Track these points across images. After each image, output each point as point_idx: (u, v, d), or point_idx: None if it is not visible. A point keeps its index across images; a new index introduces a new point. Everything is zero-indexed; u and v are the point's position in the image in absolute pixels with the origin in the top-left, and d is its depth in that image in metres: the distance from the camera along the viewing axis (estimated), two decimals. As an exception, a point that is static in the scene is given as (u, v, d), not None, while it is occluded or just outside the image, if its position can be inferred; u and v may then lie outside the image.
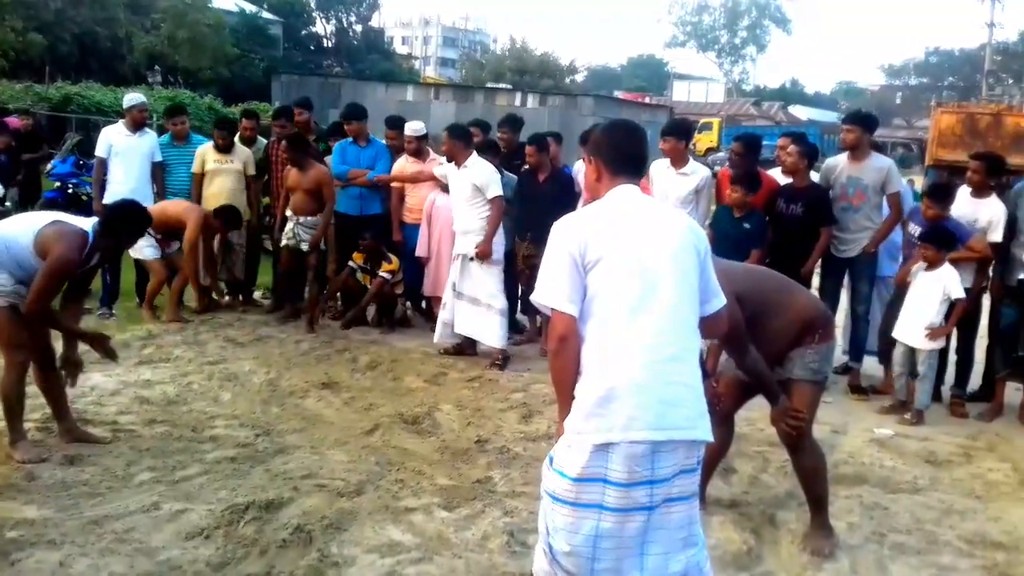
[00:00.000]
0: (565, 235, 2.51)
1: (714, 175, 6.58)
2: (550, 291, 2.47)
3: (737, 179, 5.83)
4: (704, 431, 2.47)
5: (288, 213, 7.10)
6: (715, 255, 5.63)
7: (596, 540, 2.39)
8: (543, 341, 6.61)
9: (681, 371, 2.44)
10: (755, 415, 5.30)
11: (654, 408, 2.37)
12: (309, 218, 6.99)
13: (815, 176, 6.15)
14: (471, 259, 6.36)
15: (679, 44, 66.14)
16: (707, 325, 2.63)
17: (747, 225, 5.76)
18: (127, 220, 4.40)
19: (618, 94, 45.62)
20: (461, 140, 6.46)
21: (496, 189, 6.35)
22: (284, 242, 7.13)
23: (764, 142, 7.39)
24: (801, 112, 54.45)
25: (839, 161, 6.03)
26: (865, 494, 4.26)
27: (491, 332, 6.38)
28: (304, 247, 7.01)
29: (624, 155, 2.67)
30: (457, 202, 6.46)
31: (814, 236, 5.82)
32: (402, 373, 6.02)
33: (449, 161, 6.57)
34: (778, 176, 6.24)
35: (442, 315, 6.57)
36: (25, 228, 4.16)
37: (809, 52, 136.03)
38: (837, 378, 6.12)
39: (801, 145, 5.91)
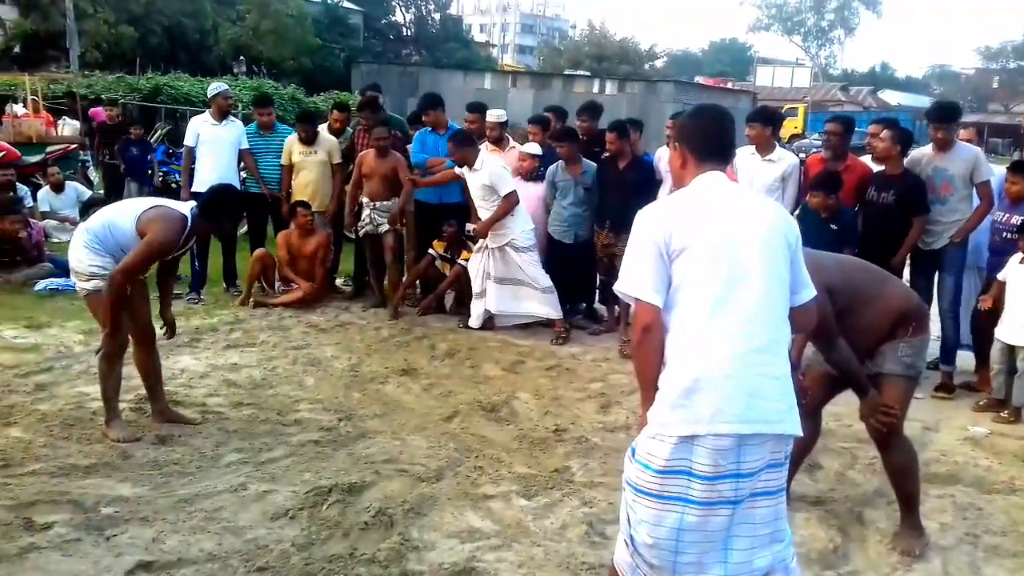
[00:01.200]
0: (649, 224, 2.45)
1: (801, 162, 6.39)
2: (633, 281, 2.42)
3: (816, 183, 5.58)
4: (793, 425, 2.40)
5: (364, 200, 7.18)
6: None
7: (680, 533, 2.35)
8: (621, 331, 6.56)
9: (770, 362, 2.37)
10: (842, 410, 5.15)
11: (741, 400, 2.30)
12: (385, 203, 7.10)
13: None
14: (496, 248, 6.62)
15: (763, 28, 64.55)
16: (796, 317, 2.55)
17: (835, 226, 5.50)
18: (225, 203, 4.55)
19: (699, 79, 44.87)
20: (465, 145, 6.60)
21: (507, 186, 6.53)
22: (363, 230, 7.24)
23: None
24: (891, 97, 52.73)
25: (924, 153, 5.79)
26: (958, 494, 4.10)
27: (545, 307, 6.68)
28: (382, 230, 7.13)
29: (710, 141, 2.59)
30: (476, 201, 6.67)
31: (906, 226, 5.60)
32: (480, 361, 6.05)
33: (460, 166, 6.66)
34: (869, 164, 6.04)
35: (478, 303, 6.83)
36: (128, 213, 4.34)
37: (900, 34, 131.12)
38: (930, 373, 5.90)
39: (894, 130, 5.69)
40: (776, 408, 2.36)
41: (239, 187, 7.41)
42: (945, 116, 5.71)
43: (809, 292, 2.58)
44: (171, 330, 4.71)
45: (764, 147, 6.04)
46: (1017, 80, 53.51)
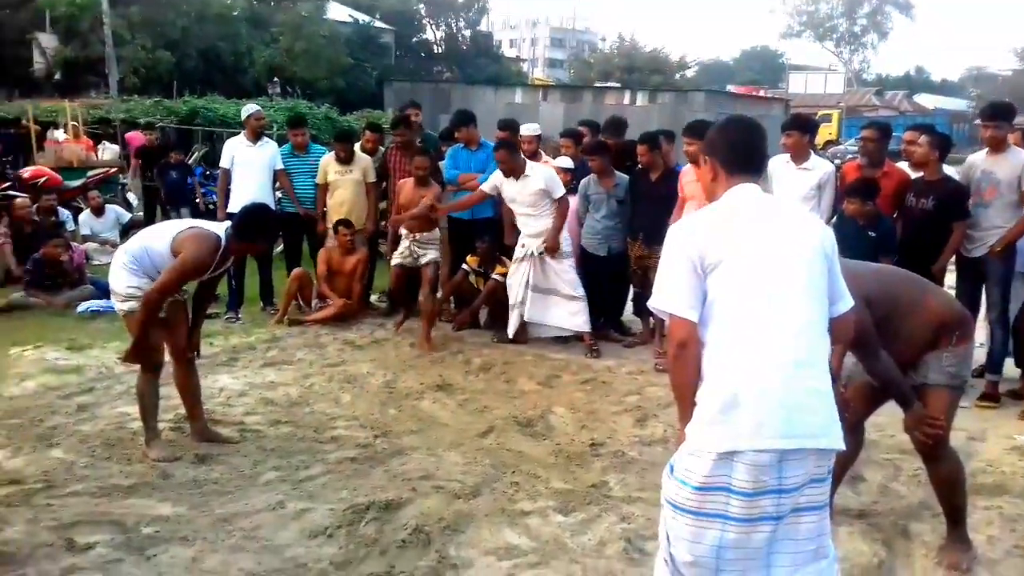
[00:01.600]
0: (682, 238, 2.43)
1: (837, 169, 6.31)
2: (667, 296, 2.40)
3: (851, 190, 5.48)
4: (836, 439, 2.35)
5: (403, 231, 7.08)
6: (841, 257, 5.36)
7: (720, 551, 2.30)
8: (657, 343, 6.51)
9: (811, 376, 2.33)
10: (884, 420, 5.04)
11: (782, 414, 2.26)
12: (425, 234, 7.04)
13: (948, 169, 5.79)
14: (539, 254, 6.61)
15: (794, 34, 64.15)
16: (834, 328, 2.51)
17: (873, 233, 5.39)
18: (258, 223, 4.58)
19: (731, 88, 44.58)
20: (516, 153, 6.61)
21: (561, 189, 6.56)
22: (397, 261, 7.09)
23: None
24: (927, 101, 52.01)
25: (979, 156, 5.66)
26: (1006, 505, 3.99)
27: (573, 319, 6.69)
28: (423, 262, 6.98)
29: (741, 153, 2.55)
30: (522, 210, 6.64)
31: (946, 232, 5.50)
32: (515, 375, 6.04)
33: (508, 175, 6.58)
34: (906, 170, 5.94)
35: (515, 313, 6.81)
36: (164, 234, 4.42)
37: (935, 37, 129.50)
38: (975, 382, 5.79)
39: (932, 136, 5.59)
40: (818, 422, 2.32)
41: (274, 207, 7.52)
42: (995, 113, 5.47)
43: (847, 303, 2.54)
44: (196, 351, 4.73)
45: (799, 155, 5.95)
46: (1058, 81, 52.50)
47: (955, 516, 3.51)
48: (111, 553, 3.39)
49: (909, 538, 3.68)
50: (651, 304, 2.48)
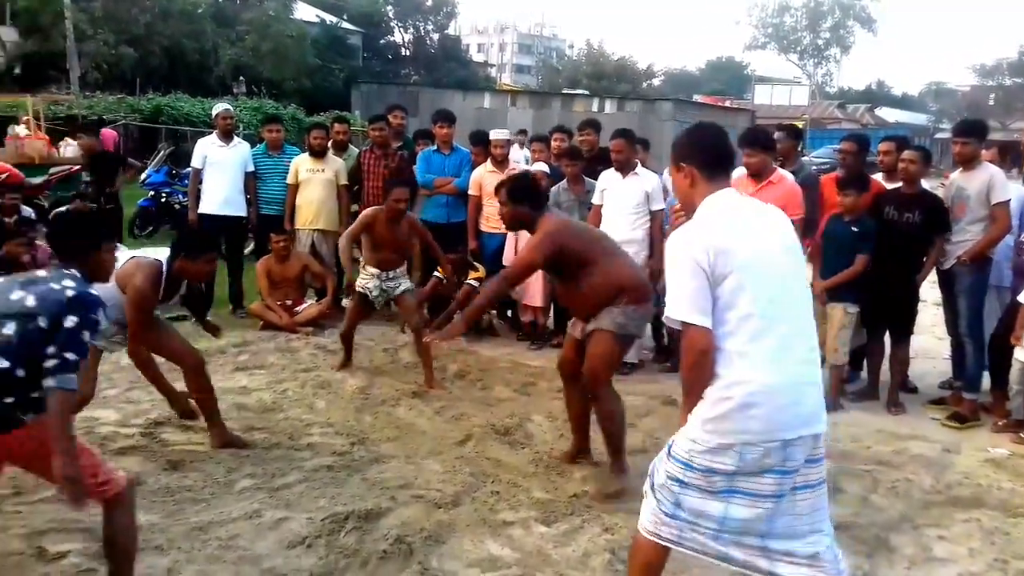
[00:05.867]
0: (690, 247, 2.50)
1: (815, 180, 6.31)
2: (687, 308, 2.48)
3: (847, 182, 5.63)
4: (824, 423, 2.57)
5: (372, 271, 6.03)
6: (824, 259, 5.48)
7: (724, 522, 2.51)
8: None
9: (811, 372, 2.55)
10: (860, 432, 5.12)
11: (789, 410, 2.46)
12: (397, 270, 6.13)
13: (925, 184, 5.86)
14: None
15: (759, 46, 64.89)
16: None
17: (856, 229, 5.53)
18: (193, 239, 4.57)
19: (697, 98, 45.00)
20: (634, 145, 6.34)
21: (662, 202, 6.29)
22: (365, 292, 6.06)
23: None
24: (889, 114, 52.85)
25: (956, 173, 5.76)
26: (984, 518, 4.02)
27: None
28: (397, 292, 6.10)
29: (717, 156, 2.67)
30: (620, 211, 6.28)
31: (927, 245, 5.59)
32: (491, 383, 5.98)
33: (618, 170, 6.35)
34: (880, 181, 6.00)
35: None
36: None
37: (896, 52, 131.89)
38: (931, 393, 5.94)
39: (918, 150, 5.70)
40: (813, 411, 2.53)
41: (246, 208, 7.42)
42: (965, 130, 5.57)
43: None
44: (216, 332, 5.17)
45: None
46: (1013, 97, 53.67)
47: (614, 445, 4.20)
48: (84, 562, 3.29)
49: (891, 549, 3.69)
50: (667, 316, 2.54)
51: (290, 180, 7.61)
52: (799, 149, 6.30)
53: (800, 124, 39.91)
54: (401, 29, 50.50)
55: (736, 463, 2.45)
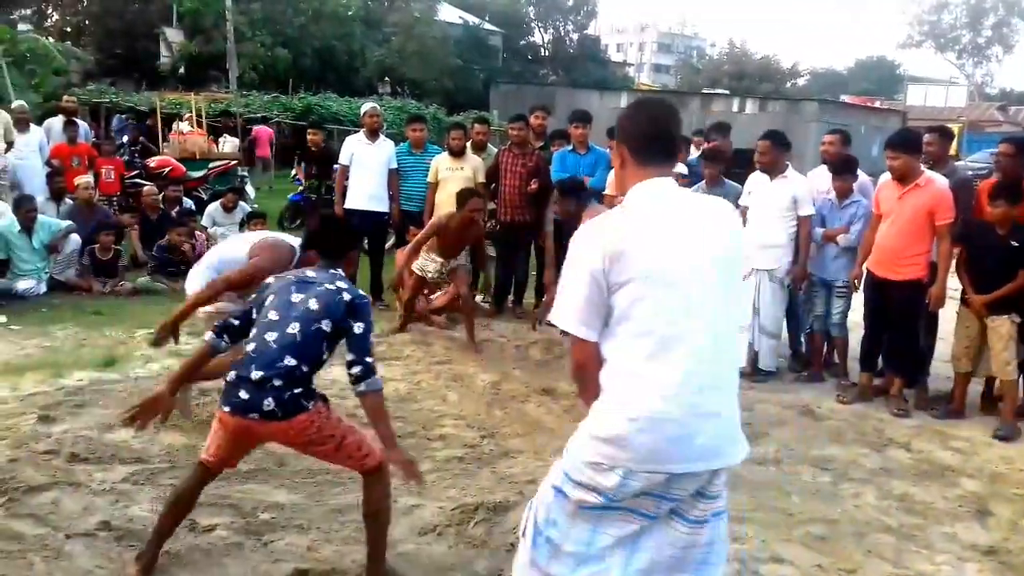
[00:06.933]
0: (586, 250, 2.24)
1: (969, 185, 5.96)
2: (567, 315, 2.26)
3: (998, 191, 5.27)
4: (730, 456, 2.28)
5: (434, 255, 6.92)
6: (972, 274, 5.10)
7: (593, 533, 2.30)
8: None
9: (713, 400, 2.23)
10: (1012, 453, 4.83)
11: (682, 443, 2.20)
12: (456, 260, 7.01)
13: None
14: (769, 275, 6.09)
15: (914, 45, 61.70)
16: None
17: (1015, 242, 5.18)
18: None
19: (845, 98, 43.24)
20: (785, 149, 6.21)
21: (811, 207, 6.08)
22: (426, 275, 6.96)
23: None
24: (1055, 116, 49.17)
25: None
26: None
27: (762, 354, 6.23)
28: (452, 267, 6.98)
29: (649, 138, 2.34)
30: (766, 213, 6.12)
31: None
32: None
33: (764, 172, 6.20)
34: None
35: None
36: (240, 243, 4.55)
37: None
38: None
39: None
40: (713, 446, 2.24)
41: (388, 205, 7.69)
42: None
43: None
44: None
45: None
46: None
47: None
48: (231, 536, 3.50)
49: (1045, 581, 3.47)
50: (550, 319, 2.39)
51: (430, 178, 7.83)
52: (951, 152, 5.91)
53: (955, 127, 37.78)
54: (541, 29, 50.85)
55: (615, 484, 2.21)
